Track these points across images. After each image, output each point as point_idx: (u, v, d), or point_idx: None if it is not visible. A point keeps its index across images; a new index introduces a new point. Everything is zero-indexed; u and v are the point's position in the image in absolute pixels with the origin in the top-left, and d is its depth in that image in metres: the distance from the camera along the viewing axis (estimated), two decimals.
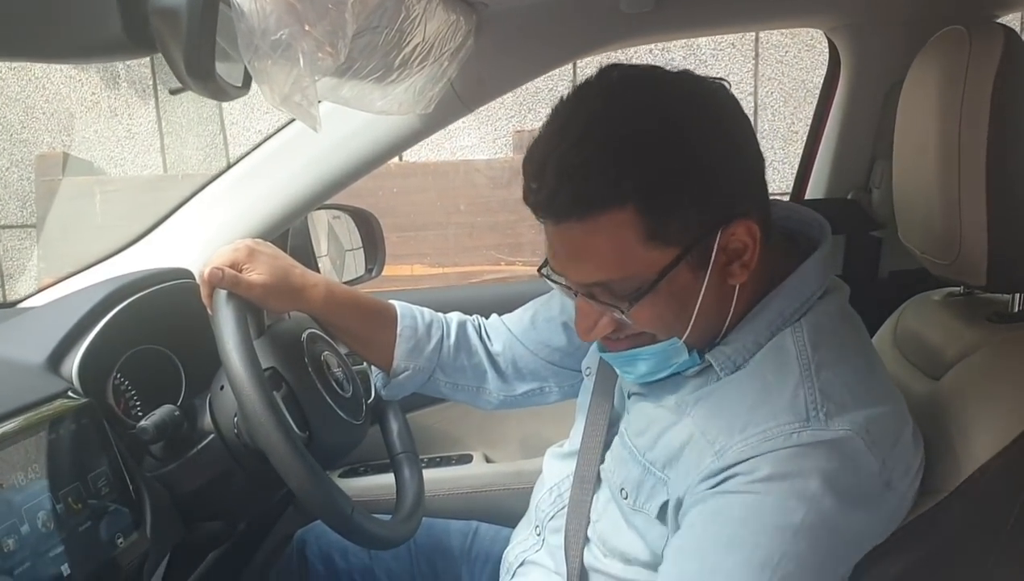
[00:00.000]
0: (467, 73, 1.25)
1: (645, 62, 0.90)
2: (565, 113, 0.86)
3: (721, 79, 0.89)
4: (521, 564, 1.16)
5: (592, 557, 1.04)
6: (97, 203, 3.80)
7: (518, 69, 1.34)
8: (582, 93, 0.87)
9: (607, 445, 1.06)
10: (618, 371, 1.02)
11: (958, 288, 1.19)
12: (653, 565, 0.94)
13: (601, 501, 1.05)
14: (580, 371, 1.19)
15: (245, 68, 0.77)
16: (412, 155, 3.89)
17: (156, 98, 3.99)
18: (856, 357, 0.91)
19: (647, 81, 0.87)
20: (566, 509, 1.09)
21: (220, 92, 0.75)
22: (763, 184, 0.90)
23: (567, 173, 0.81)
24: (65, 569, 0.88)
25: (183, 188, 1.47)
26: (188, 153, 4.03)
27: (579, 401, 1.17)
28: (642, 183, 0.80)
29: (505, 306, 1.26)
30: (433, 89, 1.23)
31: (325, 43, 0.62)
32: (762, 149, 0.90)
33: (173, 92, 0.78)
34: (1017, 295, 1.07)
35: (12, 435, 0.88)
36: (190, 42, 0.67)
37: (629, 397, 1.04)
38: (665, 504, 0.91)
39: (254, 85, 0.79)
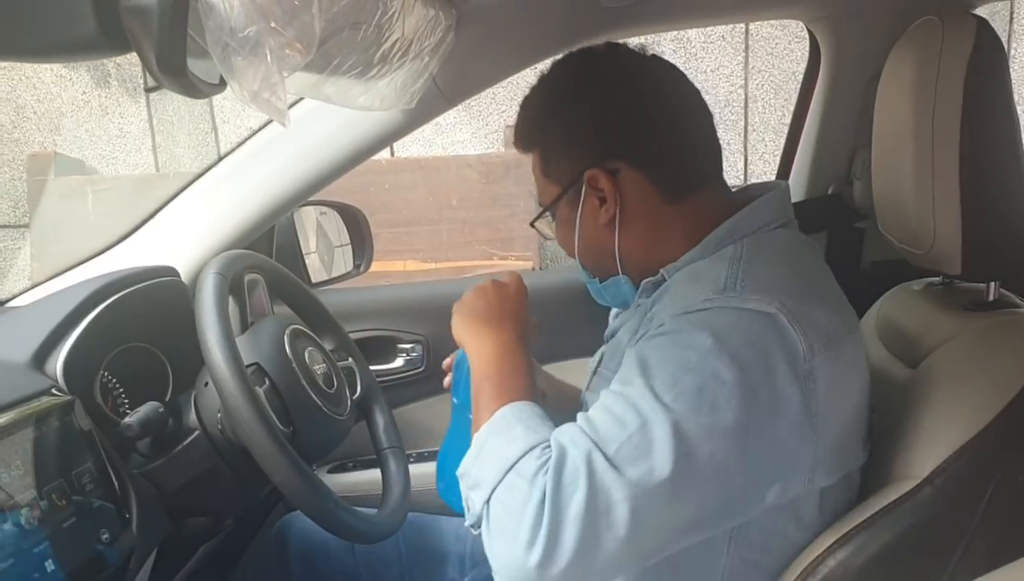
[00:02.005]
0: (449, 68, 1.25)
1: None
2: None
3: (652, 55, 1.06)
4: None
5: None
6: (89, 202, 3.80)
7: (499, 63, 1.34)
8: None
9: None
10: (596, 298, 1.14)
11: (937, 278, 1.20)
12: None
13: None
14: None
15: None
16: (403, 151, 3.90)
17: (147, 97, 3.99)
18: (796, 265, 0.96)
19: (586, 53, 1.08)
20: None
21: (194, 89, 0.75)
22: (649, 144, 1.01)
23: (522, 119, 1.09)
24: (50, 565, 0.89)
25: (175, 186, 1.47)
26: (180, 152, 4.03)
27: None
28: (542, 127, 1.06)
29: None
30: (415, 84, 1.24)
31: (293, 40, 0.63)
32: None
33: (149, 90, 0.79)
34: (992, 284, 1.08)
35: None
36: (161, 39, 0.68)
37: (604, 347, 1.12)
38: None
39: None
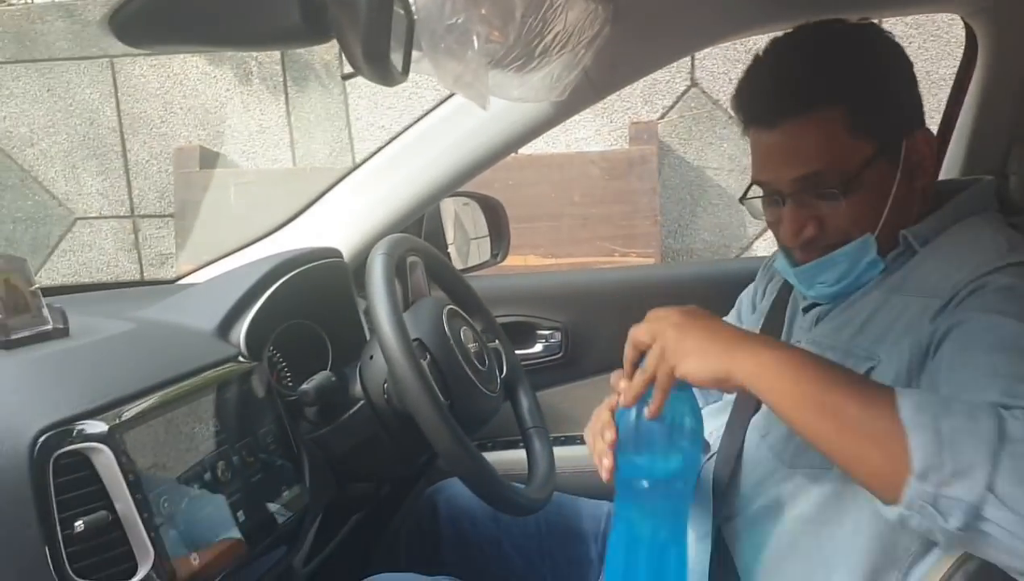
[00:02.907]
0: (600, 60, 1.28)
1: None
2: (775, 44, 1.06)
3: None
4: None
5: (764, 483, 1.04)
6: (231, 194, 3.99)
7: (650, 56, 1.36)
8: (776, 47, 1.06)
9: None
10: (806, 289, 1.08)
11: None
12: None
13: (761, 416, 1.08)
14: None
15: (404, 55, 0.83)
16: (528, 148, 3.94)
17: (286, 94, 4.16)
18: None
19: (830, 22, 1.06)
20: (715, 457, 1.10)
21: (390, 77, 0.81)
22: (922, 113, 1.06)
23: (787, 79, 1.01)
24: (241, 516, 0.96)
25: (311, 181, 1.55)
26: (315, 147, 4.18)
27: None
28: (851, 82, 0.99)
29: (633, 287, 1.28)
30: (568, 76, 1.27)
31: (496, 26, 0.67)
32: None
33: (345, 77, 0.85)
34: None
35: (193, 391, 0.97)
36: (368, 29, 0.74)
37: (810, 329, 1.09)
38: (869, 371, 0.95)
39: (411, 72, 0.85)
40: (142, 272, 4.43)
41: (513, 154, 4.24)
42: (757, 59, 1.05)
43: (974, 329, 0.85)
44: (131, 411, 0.88)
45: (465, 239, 1.90)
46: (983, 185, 1.09)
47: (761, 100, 1.03)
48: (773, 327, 1.17)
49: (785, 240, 1.06)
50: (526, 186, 3.73)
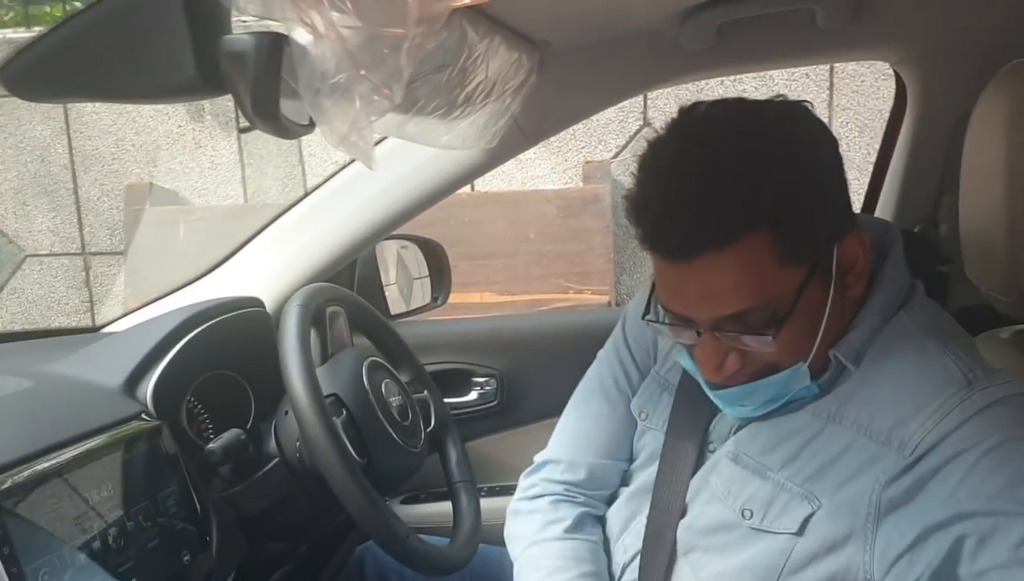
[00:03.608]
0: (530, 108, 1.27)
1: (717, 91, 0.93)
2: (669, 152, 0.88)
3: (804, 101, 0.93)
4: None
5: None
6: (181, 231, 3.94)
7: (580, 104, 1.36)
8: (681, 131, 0.89)
9: (695, 470, 1.03)
10: (727, 409, 0.98)
11: None
12: None
13: (690, 532, 1.01)
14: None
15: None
16: (483, 185, 3.95)
17: (238, 130, 4.13)
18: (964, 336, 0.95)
19: (748, 110, 0.90)
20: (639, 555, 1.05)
21: (284, 130, 0.79)
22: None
23: (702, 208, 0.83)
24: None
25: (263, 217, 1.52)
26: (268, 184, 4.16)
27: (641, 448, 1.14)
28: (775, 205, 0.83)
29: (573, 334, 1.26)
30: (496, 124, 1.26)
31: (381, 86, 0.65)
32: None
33: (242, 131, 0.82)
34: None
35: (89, 454, 0.93)
36: (256, 83, 0.71)
37: (732, 431, 1.01)
38: (809, 517, 0.88)
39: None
40: (92, 310, 4.35)
41: (468, 191, 4.26)
42: (657, 172, 0.87)
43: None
44: (14, 479, 0.83)
45: (408, 282, 1.88)
46: (896, 265, 0.97)
47: (666, 231, 0.85)
48: (686, 414, 1.07)
49: (702, 371, 0.94)
50: (482, 223, 3.73)
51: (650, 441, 1.11)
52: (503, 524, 1.26)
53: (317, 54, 0.65)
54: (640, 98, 3.75)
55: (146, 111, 4.15)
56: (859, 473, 0.86)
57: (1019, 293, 1.01)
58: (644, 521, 1.06)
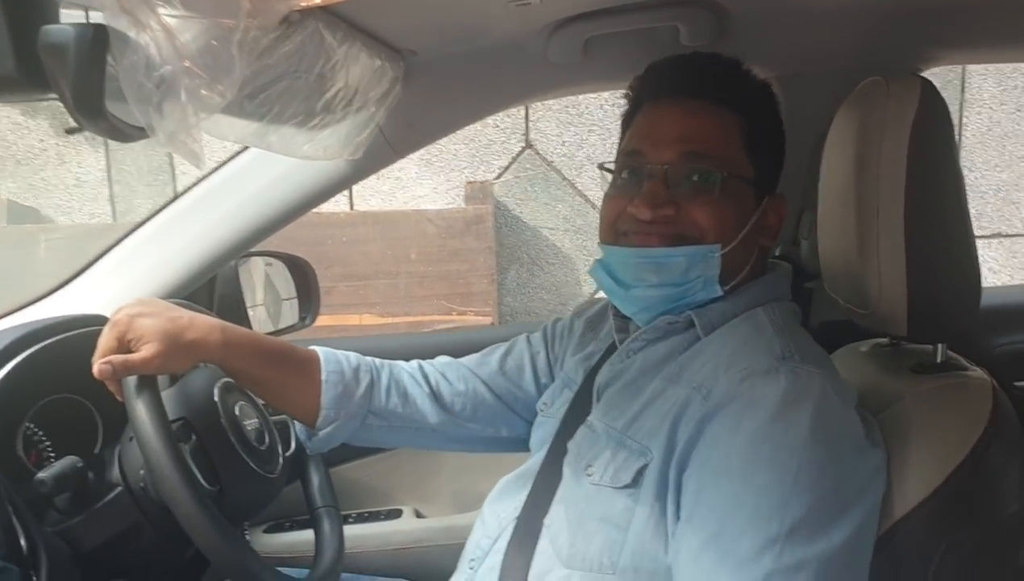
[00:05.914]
0: (396, 119, 1.24)
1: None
2: (695, 53, 1.08)
3: None
4: None
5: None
6: (41, 251, 3.73)
7: (448, 116, 1.33)
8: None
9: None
10: (629, 308, 1.07)
11: (884, 339, 1.18)
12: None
13: (555, 515, 1.04)
14: (530, 422, 1.22)
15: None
16: (363, 204, 3.89)
17: (106, 146, 3.96)
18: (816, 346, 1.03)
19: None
20: (508, 536, 1.06)
21: (116, 131, 0.73)
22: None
23: (712, 67, 1.05)
24: None
25: None
26: (138, 202, 3.99)
27: (536, 438, 1.18)
28: (759, 110, 1.06)
29: (456, 354, 1.24)
30: (360, 135, 1.22)
31: (210, 80, 0.60)
32: None
33: (69, 131, 0.76)
34: (940, 346, 1.07)
35: None
36: (78, 78, 0.66)
37: (600, 397, 1.08)
38: (643, 469, 0.93)
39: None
40: None
41: (347, 210, 4.19)
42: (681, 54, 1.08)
43: (713, 470, 0.87)
44: None
45: (276, 300, 1.80)
46: (779, 274, 1.11)
47: (681, 74, 1.05)
48: (579, 408, 1.12)
49: (639, 212, 1.01)
50: (362, 243, 3.66)
51: (546, 429, 1.15)
52: (373, 552, 1.21)
53: (140, 45, 0.60)
54: (523, 119, 3.77)
55: (3, 124, 3.92)
56: (678, 418, 0.93)
57: (872, 306, 1.03)
58: (523, 498, 1.09)
